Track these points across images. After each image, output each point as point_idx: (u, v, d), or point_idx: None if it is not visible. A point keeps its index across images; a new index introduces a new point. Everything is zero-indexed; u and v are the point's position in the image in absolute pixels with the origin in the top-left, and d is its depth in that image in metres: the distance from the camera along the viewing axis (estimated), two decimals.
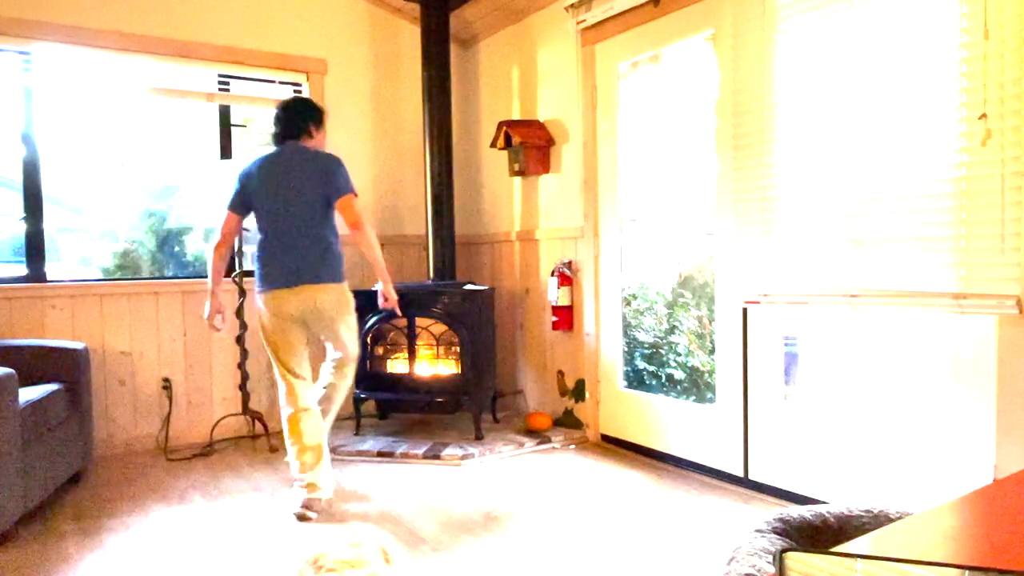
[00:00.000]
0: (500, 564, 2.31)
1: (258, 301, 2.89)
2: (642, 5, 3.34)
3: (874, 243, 2.42)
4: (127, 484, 3.22)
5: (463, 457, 3.45)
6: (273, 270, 2.84)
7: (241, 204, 2.94)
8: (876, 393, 2.86)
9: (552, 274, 3.87)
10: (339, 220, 2.90)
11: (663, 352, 3.73)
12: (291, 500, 2.87)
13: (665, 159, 3.57)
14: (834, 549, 0.71)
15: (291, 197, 2.84)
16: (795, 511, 1.29)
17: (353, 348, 3.05)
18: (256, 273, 2.90)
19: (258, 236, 2.92)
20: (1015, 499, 0.88)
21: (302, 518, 2.74)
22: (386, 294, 3.02)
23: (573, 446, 3.72)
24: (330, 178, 2.86)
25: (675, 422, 3.34)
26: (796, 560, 0.62)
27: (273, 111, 3.00)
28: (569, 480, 3.16)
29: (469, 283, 4.08)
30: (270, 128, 3.01)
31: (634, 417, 3.58)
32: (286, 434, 2.89)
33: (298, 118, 2.94)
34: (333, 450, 3.63)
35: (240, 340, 3.82)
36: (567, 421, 3.93)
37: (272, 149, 2.96)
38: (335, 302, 2.89)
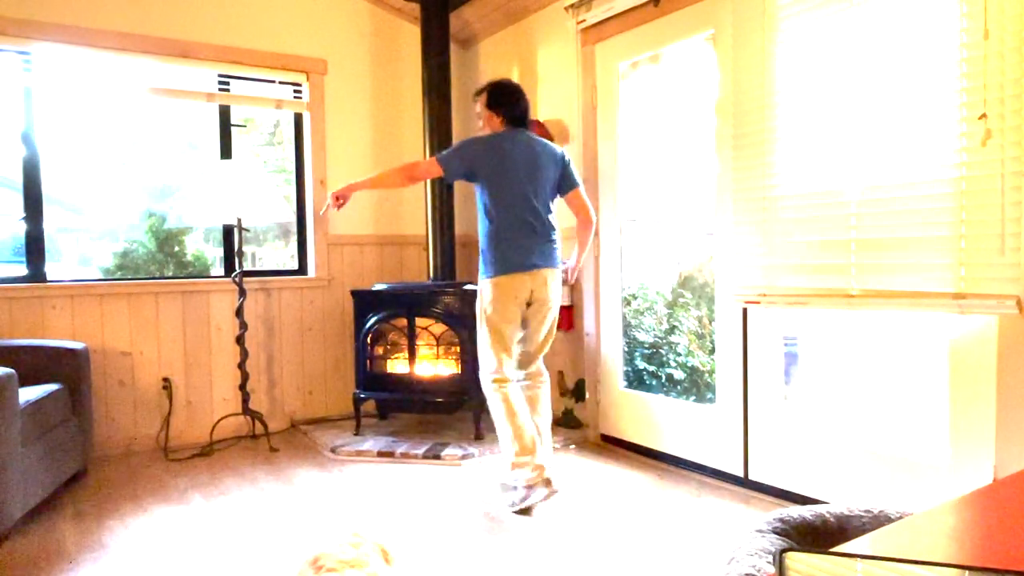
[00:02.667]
0: (500, 564, 2.31)
1: (497, 284, 2.87)
2: (642, 5, 3.35)
3: (874, 243, 2.42)
4: (127, 484, 3.22)
5: (463, 457, 3.45)
6: (518, 253, 2.86)
7: (462, 173, 2.92)
8: (876, 393, 2.86)
9: None
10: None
11: (663, 352, 3.72)
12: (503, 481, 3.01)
13: (665, 159, 3.57)
14: (834, 549, 0.71)
15: (539, 181, 2.91)
16: (795, 511, 1.29)
17: (550, 341, 3.05)
18: (497, 255, 2.87)
19: (495, 215, 2.88)
20: (1015, 499, 0.88)
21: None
22: (571, 271, 3.19)
23: (573, 446, 3.71)
24: (568, 168, 3.03)
25: (675, 422, 3.34)
26: (796, 560, 0.62)
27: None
28: (569, 480, 3.16)
29: (469, 283, 4.08)
30: (508, 106, 2.96)
31: (634, 417, 3.58)
32: (508, 411, 2.88)
33: (529, 107, 3.03)
34: (333, 450, 3.63)
35: (240, 340, 3.82)
36: (567, 421, 3.93)
37: (508, 130, 2.96)
38: (559, 286, 3.00)
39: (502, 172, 2.86)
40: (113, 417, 3.73)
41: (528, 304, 2.93)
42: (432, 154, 4.13)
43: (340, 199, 3.01)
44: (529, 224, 2.88)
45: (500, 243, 2.87)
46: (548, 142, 3.02)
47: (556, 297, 2.98)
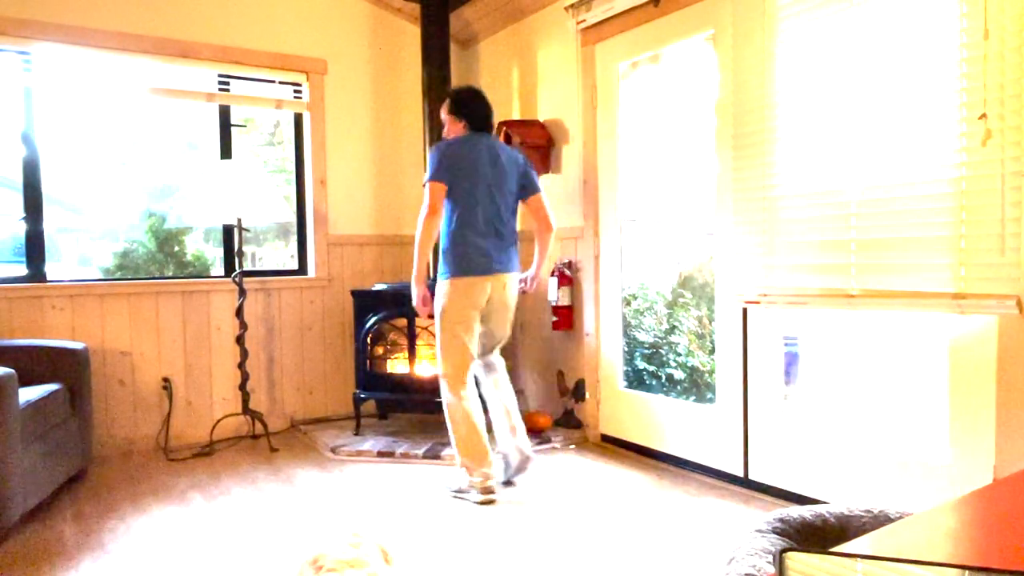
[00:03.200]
0: (501, 564, 2.31)
1: (456, 285, 2.90)
2: (642, 5, 3.34)
3: (874, 243, 2.42)
4: (127, 484, 3.22)
5: None
6: (479, 255, 2.91)
7: (450, 177, 2.92)
8: (876, 393, 2.86)
9: (552, 274, 3.87)
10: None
11: (663, 352, 3.72)
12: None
13: (665, 159, 3.57)
14: (834, 549, 0.71)
15: (500, 185, 2.97)
16: (795, 511, 1.29)
17: (507, 336, 3.18)
18: (457, 256, 2.90)
19: (457, 216, 2.91)
20: (1015, 499, 0.88)
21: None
22: (531, 280, 3.23)
23: (573, 446, 3.71)
24: (528, 174, 3.09)
25: (675, 422, 3.34)
26: (796, 560, 0.62)
27: (459, 95, 3.04)
28: (569, 480, 3.16)
29: None
30: (469, 110, 3.01)
31: (634, 417, 3.58)
32: (468, 427, 2.93)
33: (491, 112, 3.07)
34: (333, 450, 3.63)
35: (240, 340, 3.82)
36: (567, 421, 3.93)
37: (470, 134, 3.01)
38: (516, 290, 3.09)
39: (468, 174, 2.91)
40: (113, 417, 3.73)
41: (489, 306, 3.00)
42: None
43: (427, 304, 3.01)
44: (492, 227, 2.95)
45: (463, 245, 2.91)
46: (509, 147, 3.08)
47: (513, 301, 3.08)
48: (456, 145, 2.94)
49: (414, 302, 3.03)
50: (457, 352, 2.95)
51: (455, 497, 2.95)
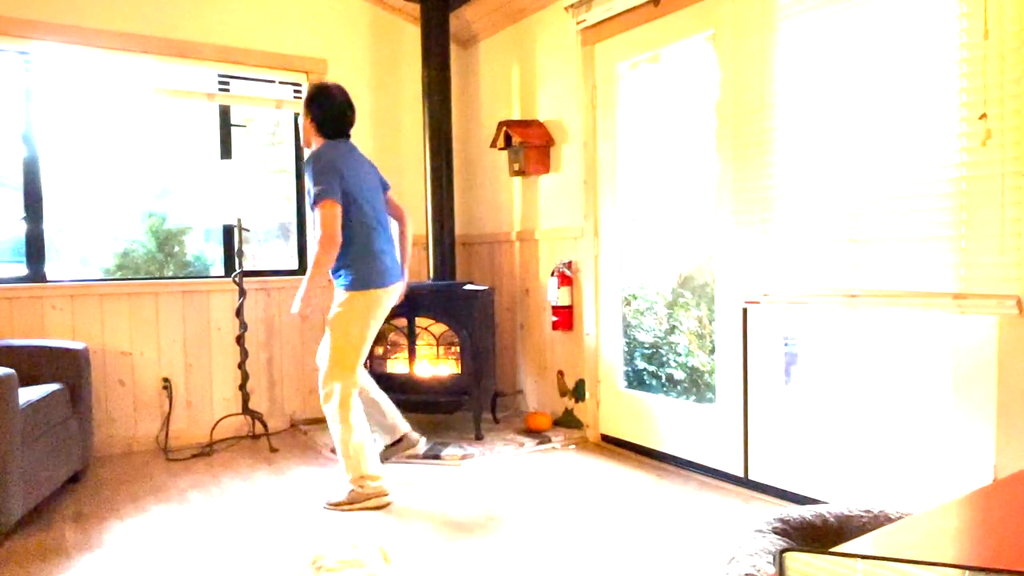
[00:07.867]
0: (500, 564, 2.31)
1: (367, 297, 2.85)
2: (642, 5, 3.34)
3: (874, 243, 2.42)
4: (127, 484, 3.22)
5: (463, 457, 3.45)
6: (386, 266, 2.90)
7: (341, 190, 2.79)
8: (876, 393, 2.86)
9: (552, 274, 3.87)
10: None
11: (663, 352, 3.72)
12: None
13: (665, 159, 3.57)
14: (834, 549, 0.71)
15: (376, 193, 2.97)
16: (795, 511, 1.29)
17: None
18: (368, 268, 2.85)
19: (358, 228, 2.84)
20: (1015, 499, 0.88)
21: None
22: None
23: (573, 446, 3.71)
24: (382, 178, 3.10)
25: (675, 422, 3.34)
26: (796, 560, 0.62)
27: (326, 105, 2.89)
28: (569, 480, 3.16)
29: (469, 283, 4.08)
30: (332, 117, 2.90)
31: (634, 417, 3.58)
32: (364, 421, 2.92)
33: (355, 117, 3.01)
34: (333, 450, 3.63)
35: (240, 340, 3.82)
36: (567, 421, 3.93)
37: (340, 141, 2.93)
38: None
39: (352, 184, 2.82)
40: (113, 417, 3.73)
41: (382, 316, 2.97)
42: (430, 156, 4.12)
43: (306, 310, 2.84)
44: (386, 237, 2.94)
45: (375, 255, 2.87)
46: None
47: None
48: (340, 161, 2.81)
49: (297, 302, 2.82)
50: (352, 366, 2.87)
51: (345, 509, 2.83)
